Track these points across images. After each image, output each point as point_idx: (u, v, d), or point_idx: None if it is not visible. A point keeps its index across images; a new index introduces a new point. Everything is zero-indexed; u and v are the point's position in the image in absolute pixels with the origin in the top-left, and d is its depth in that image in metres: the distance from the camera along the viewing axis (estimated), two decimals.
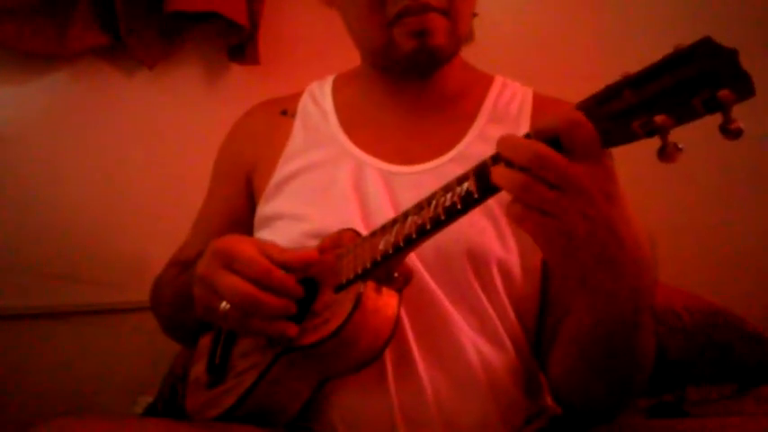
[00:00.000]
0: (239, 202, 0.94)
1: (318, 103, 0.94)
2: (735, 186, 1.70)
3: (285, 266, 0.71)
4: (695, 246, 1.64)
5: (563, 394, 0.78)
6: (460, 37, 0.83)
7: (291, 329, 0.69)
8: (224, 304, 0.69)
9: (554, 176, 0.52)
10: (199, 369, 0.84)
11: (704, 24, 1.53)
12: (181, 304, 0.82)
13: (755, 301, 1.55)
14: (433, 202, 0.63)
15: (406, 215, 0.66)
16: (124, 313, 1.47)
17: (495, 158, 0.57)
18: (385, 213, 0.74)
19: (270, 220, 0.87)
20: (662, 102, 0.48)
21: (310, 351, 0.69)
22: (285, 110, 0.95)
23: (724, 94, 0.45)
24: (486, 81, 0.92)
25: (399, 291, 0.70)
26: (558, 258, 0.59)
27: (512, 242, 0.80)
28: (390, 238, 0.66)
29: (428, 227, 0.63)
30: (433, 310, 0.77)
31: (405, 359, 0.75)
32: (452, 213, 0.60)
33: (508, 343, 0.79)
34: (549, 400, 0.84)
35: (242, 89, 1.51)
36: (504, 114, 0.88)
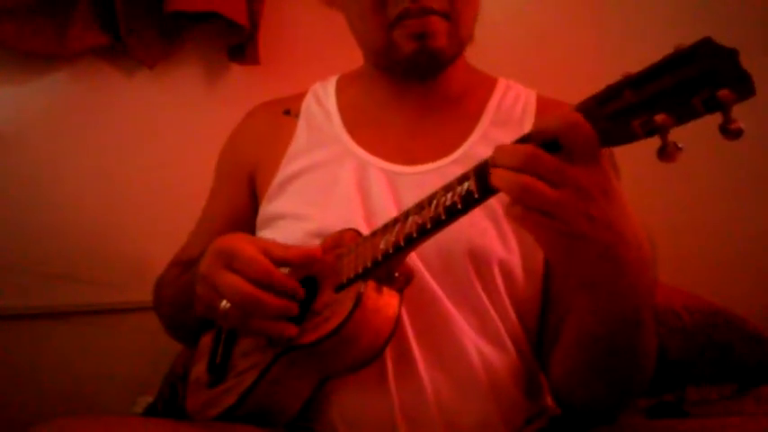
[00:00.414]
0: (242, 202, 0.94)
1: (322, 104, 0.94)
2: (735, 186, 1.70)
3: (287, 263, 0.71)
4: (695, 246, 1.63)
5: (563, 394, 0.79)
6: (462, 39, 0.84)
7: (291, 330, 0.69)
8: (224, 303, 0.69)
9: (551, 176, 0.52)
10: (200, 369, 0.84)
11: (704, 25, 1.53)
12: (182, 304, 0.82)
13: (755, 301, 1.54)
14: (434, 202, 0.63)
15: (407, 215, 0.66)
16: (124, 313, 1.46)
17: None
18: (388, 213, 0.74)
19: (273, 219, 0.88)
20: (662, 101, 0.48)
21: (311, 350, 0.69)
22: (288, 109, 0.95)
23: (724, 93, 0.45)
24: (490, 83, 0.92)
25: (400, 290, 0.71)
26: (559, 258, 0.60)
27: (513, 243, 0.80)
28: (391, 237, 0.67)
29: (429, 226, 0.63)
30: (434, 310, 0.77)
31: (405, 359, 0.75)
32: (453, 213, 0.61)
33: (509, 343, 0.79)
34: (549, 401, 0.84)
35: (242, 89, 1.51)
36: (508, 116, 0.88)
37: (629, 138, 0.51)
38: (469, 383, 0.76)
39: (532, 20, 1.66)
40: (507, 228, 0.79)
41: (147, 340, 1.32)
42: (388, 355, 0.74)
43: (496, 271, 0.79)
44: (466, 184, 0.59)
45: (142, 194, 1.49)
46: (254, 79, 1.51)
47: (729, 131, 0.46)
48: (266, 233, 0.87)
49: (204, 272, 0.71)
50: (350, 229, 0.76)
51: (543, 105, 0.89)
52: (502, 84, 0.92)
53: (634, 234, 0.57)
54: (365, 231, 0.74)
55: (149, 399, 1.31)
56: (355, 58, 0.93)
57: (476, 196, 0.58)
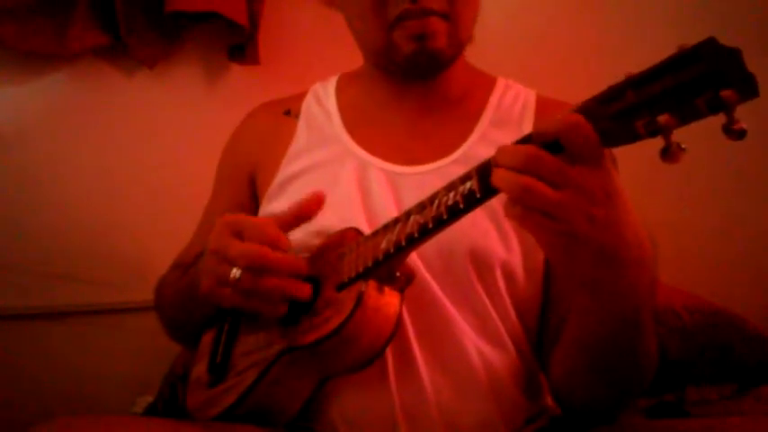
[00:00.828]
0: (243, 203, 0.94)
1: (322, 104, 0.94)
2: (735, 186, 1.69)
3: (295, 219, 0.74)
4: (695, 246, 1.63)
5: (563, 394, 0.79)
6: (462, 40, 0.84)
7: (305, 289, 0.69)
8: (234, 271, 0.68)
9: (552, 177, 0.52)
10: (200, 368, 0.84)
11: (704, 25, 1.53)
12: (183, 305, 0.82)
13: (755, 301, 1.54)
14: (436, 202, 0.63)
15: (408, 214, 0.66)
16: (124, 313, 1.46)
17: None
18: (388, 213, 0.74)
19: None
20: (665, 102, 0.48)
21: (311, 350, 0.69)
22: (288, 110, 0.95)
23: (727, 94, 0.45)
24: (490, 83, 0.92)
25: (401, 290, 0.70)
26: (559, 258, 0.60)
27: (514, 243, 0.80)
28: (392, 237, 0.66)
29: (430, 226, 0.63)
30: (435, 310, 0.77)
31: (406, 359, 0.75)
32: (455, 212, 0.60)
33: (509, 344, 0.79)
34: (549, 401, 0.84)
35: (242, 89, 1.51)
36: (508, 116, 0.88)
37: (631, 138, 0.51)
38: (470, 383, 0.76)
39: (532, 20, 1.66)
40: (508, 228, 0.79)
41: (147, 340, 1.31)
42: (389, 355, 0.74)
43: (498, 273, 0.79)
44: (468, 184, 0.59)
45: (142, 194, 1.49)
46: (254, 79, 1.51)
47: (733, 132, 0.46)
48: None
49: (213, 246, 0.71)
50: (351, 229, 0.76)
51: (543, 105, 0.89)
52: (501, 83, 0.92)
53: (635, 234, 0.57)
54: (366, 231, 0.74)
55: (149, 399, 1.31)
56: (355, 58, 0.93)
57: (478, 196, 0.58)
